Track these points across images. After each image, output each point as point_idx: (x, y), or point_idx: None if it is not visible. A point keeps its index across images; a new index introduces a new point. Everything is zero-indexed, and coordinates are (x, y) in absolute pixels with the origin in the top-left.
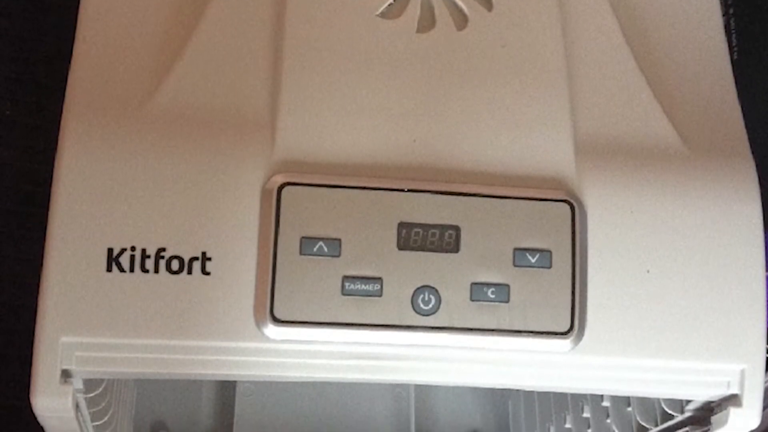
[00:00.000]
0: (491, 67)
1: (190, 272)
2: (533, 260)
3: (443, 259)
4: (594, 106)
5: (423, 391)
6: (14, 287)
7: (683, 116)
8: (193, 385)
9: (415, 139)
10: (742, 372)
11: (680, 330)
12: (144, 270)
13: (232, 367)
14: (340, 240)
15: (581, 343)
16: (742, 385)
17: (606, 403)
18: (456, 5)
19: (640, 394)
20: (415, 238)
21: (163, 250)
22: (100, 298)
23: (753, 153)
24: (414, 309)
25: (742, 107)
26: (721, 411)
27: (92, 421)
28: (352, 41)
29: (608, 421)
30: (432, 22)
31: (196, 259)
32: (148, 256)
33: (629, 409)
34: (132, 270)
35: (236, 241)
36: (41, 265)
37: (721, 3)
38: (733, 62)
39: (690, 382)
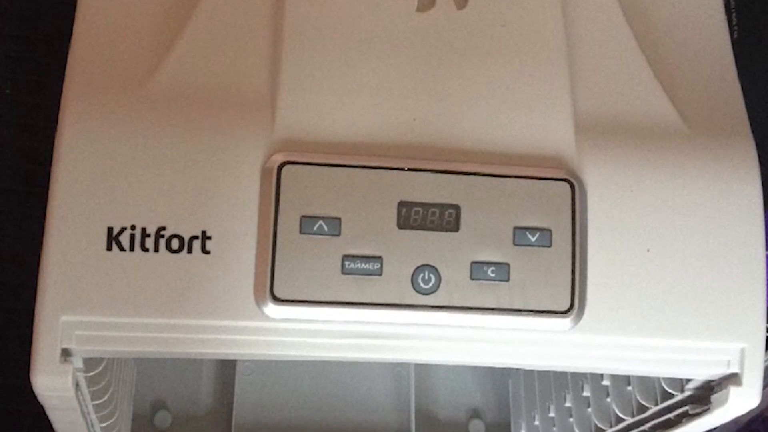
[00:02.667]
0: (491, 47)
1: (190, 251)
2: (533, 239)
3: (443, 238)
4: (594, 86)
5: (423, 370)
6: (14, 266)
7: (683, 95)
8: (193, 364)
9: (415, 118)
10: (742, 351)
11: (680, 309)
12: (144, 249)
13: (232, 346)
14: (340, 219)
15: (581, 322)
16: (742, 364)
17: (606, 382)
18: None
19: (640, 373)
20: (415, 217)
21: (163, 229)
22: (100, 277)
23: (753, 132)
24: (414, 288)
25: (742, 86)
26: (721, 390)
27: (92, 399)
28: (352, 20)
29: (608, 399)
30: (432, 0)
31: (196, 238)
32: (148, 235)
33: (629, 388)
34: (132, 249)
35: (236, 220)
36: (41, 244)
37: None
38: (733, 41)
39: (690, 361)
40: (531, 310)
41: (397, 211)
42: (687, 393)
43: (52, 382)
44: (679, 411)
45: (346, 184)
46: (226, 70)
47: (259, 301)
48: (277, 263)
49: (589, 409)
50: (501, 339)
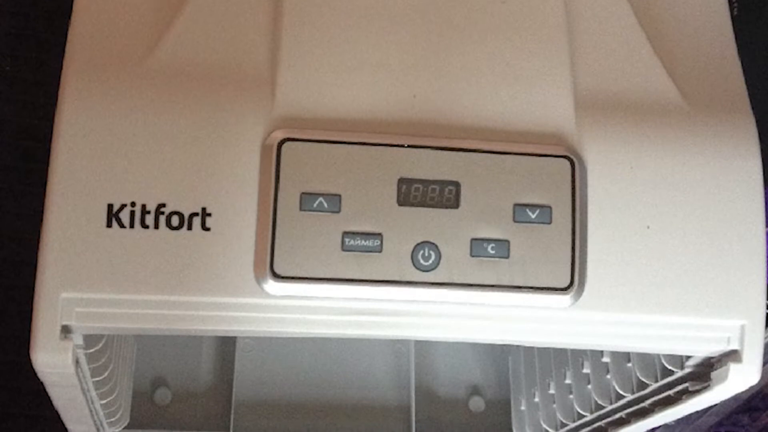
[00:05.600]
0: (491, 23)
1: (190, 228)
2: (533, 216)
3: (443, 214)
4: (594, 62)
5: (423, 346)
6: (14, 243)
7: (683, 72)
8: (193, 341)
9: (415, 95)
10: (742, 328)
11: (680, 286)
12: (144, 226)
13: (232, 323)
14: (340, 196)
15: (581, 298)
16: (742, 340)
17: (606, 359)
18: None
19: (640, 350)
20: (415, 193)
21: (163, 205)
22: (100, 254)
23: (753, 109)
24: (414, 265)
25: (742, 63)
26: (721, 367)
27: (92, 376)
28: None
29: (608, 376)
30: None
31: (196, 214)
32: (148, 212)
33: (629, 364)
34: (132, 226)
35: (236, 197)
36: (41, 220)
37: None
38: (733, 18)
39: (690, 337)
40: (531, 287)
41: (397, 188)
42: (687, 370)
43: (52, 359)
44: (679, 388)
45: (346, 160)
46: (226, 46)
47: (259, 278)
48: (277, 240)
49: (589, 386)
50: (501, 316)
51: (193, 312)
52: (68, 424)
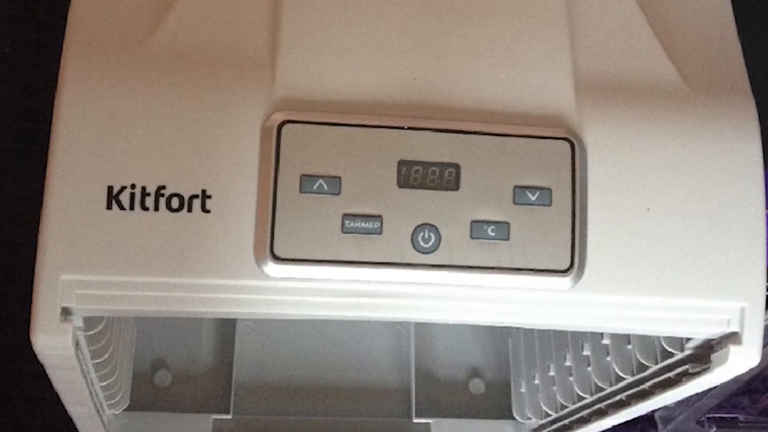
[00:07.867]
0: (491, 5)
1: (190, 210)
2: (533, 198)
3: (443, 196)
4: (594, 44)
5: (423, 329)
6: (14, 225)
7: (683, 54)
8: (193, 323)
9: (416, 77)
10: (742, 310)
11: (680, 268)
12: (144, 208)
13: (232, 305)
14: (340, 178)
15: (581, 280)
16: (742, 323)
17: (606, 341)
18: None
19: (640, 332)
20: (415, 175)
21: (163, 187)
22: (100, 236)
23: (753, 91)
24: (414, 247)
25: (742, 45)
26: (721, 349)
27: (92, 359)
28: None
29: (608, 358)
30: None
31: (196, 196)
32: (148, 194)
33: (629, 347)
34: (132, 208)
35: (236, 179)
36: (41, 203)
37: None
38: (733, 0)
39: (690, 320)
40: (531, 269)
41: (397, 170)
42: (687, 352)
43: (52, 341)
44: (679, 370)
45: (346, 142)
46: (227, 28)
47: (259, 260)
48: (277, 222)
49: (590, 368)
50: (501, 298)
51: (193, 294)
52: (68, 406)
